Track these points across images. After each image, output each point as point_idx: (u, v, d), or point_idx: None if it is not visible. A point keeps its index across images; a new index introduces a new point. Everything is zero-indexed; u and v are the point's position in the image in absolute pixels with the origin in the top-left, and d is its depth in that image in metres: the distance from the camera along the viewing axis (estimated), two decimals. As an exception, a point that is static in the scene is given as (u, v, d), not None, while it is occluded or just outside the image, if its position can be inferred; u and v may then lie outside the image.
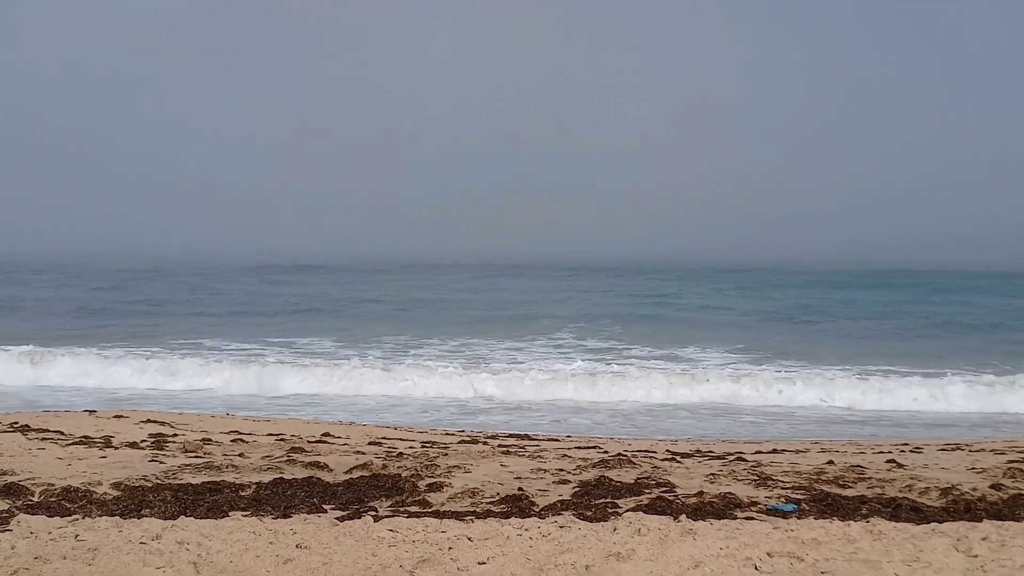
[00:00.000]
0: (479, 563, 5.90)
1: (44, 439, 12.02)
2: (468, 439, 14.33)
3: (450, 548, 6.16)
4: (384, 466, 9.76)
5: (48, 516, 6.89)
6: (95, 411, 17.19)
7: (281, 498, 8.02)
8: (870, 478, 9.31)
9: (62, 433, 12.72)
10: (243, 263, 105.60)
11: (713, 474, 9.67)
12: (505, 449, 12.10)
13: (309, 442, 12.74)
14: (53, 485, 8.27)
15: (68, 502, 7.66)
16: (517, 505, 7.81)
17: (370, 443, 13.08)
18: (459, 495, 8.32)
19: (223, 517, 7.05)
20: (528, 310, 48.71)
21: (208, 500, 7.83)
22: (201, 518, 6.98)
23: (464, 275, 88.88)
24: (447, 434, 15.59)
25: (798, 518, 7.16)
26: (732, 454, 12.14)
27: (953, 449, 13.09)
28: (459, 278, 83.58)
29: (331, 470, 9.65)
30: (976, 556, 6.03)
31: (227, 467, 9.70)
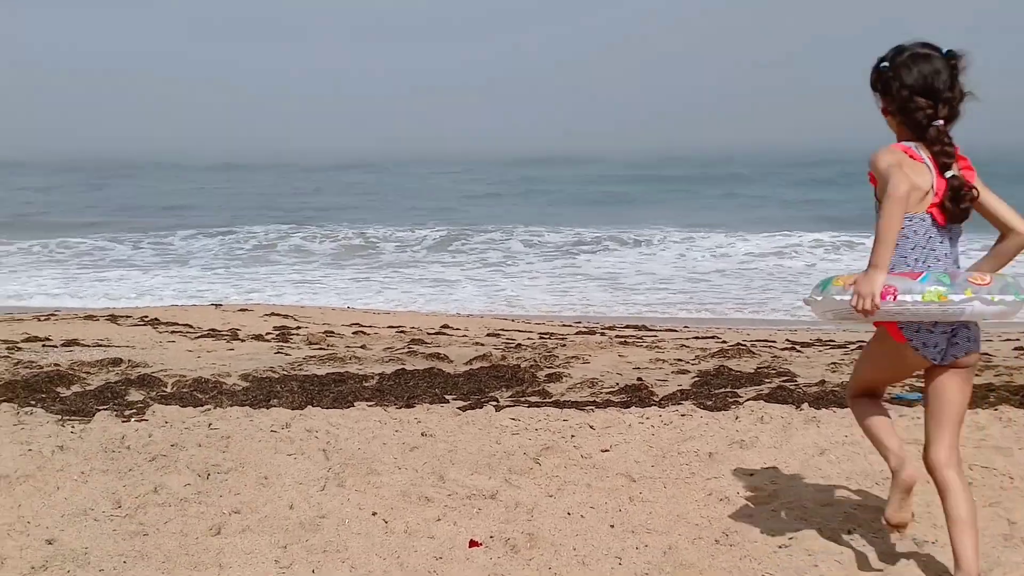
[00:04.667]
0: (602, 450, 5.93)
1: (173, 332, 12.44)
2: (585, 330, 14.35)
3: (572, 436, 6.20)
4: (503, 357, 9.85)
5: (181, 406, 7.13)
6: (220, 304, 17.72)
7: (404, 388, 8.16)
8: (997, 366, 9.08)
9: (190, 326, 13.12)
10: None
11: (835, 363, 9.56)
12: (623, 340, 12.10)
13: (429, 334, 12.93)
14: (184, 376, 8.55)
15: (199, 393, 7.92)
16: (636, 395, 7.81)
17: (488, 335, 13.21)
18: (578, 385, 8.36)
19: (348, 407, 7.19)
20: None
21: (333, 391, 8.01)
22: (327, 408, 7.14)
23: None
24: (564, 325, 15.65)
25: (923, 406, 7.01)
26: (854, 343, 11.94)
27: (1086, 335, 12.67)
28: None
29: (451, 361, 9.77)
30: (1111, 442, 5.86)
31: (350, 359, 9.91)
